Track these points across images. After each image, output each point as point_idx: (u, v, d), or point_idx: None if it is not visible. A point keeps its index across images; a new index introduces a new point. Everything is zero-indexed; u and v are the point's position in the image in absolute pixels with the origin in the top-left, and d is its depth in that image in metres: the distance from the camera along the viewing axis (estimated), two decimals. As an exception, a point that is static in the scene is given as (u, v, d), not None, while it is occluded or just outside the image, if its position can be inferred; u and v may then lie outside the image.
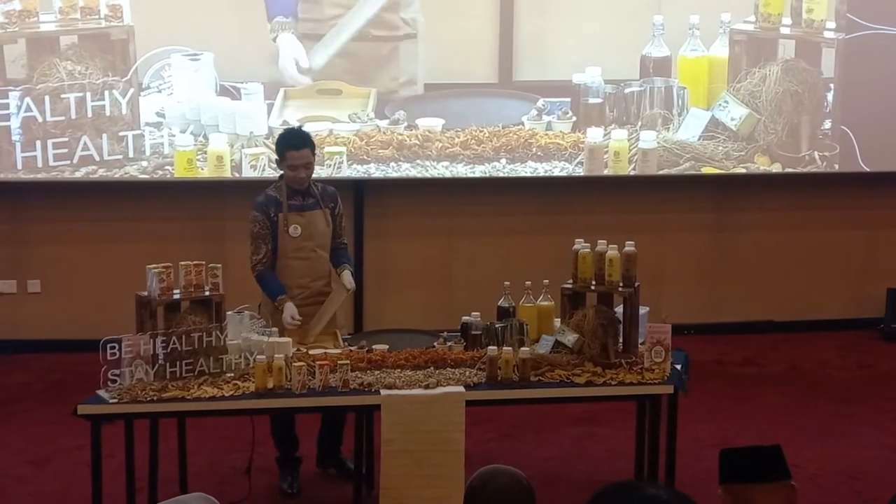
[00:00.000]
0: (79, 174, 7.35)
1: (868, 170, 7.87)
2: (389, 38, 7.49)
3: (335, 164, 7.41)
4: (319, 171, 7.37)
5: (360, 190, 7.56)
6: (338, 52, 7.41)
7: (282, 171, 5.38)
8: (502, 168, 7.59)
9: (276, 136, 5.50)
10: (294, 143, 5.30)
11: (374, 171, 7.49)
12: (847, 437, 6.07)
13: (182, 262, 4.67)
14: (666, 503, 2.32)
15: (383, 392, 4.52)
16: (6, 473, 5.58)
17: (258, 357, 4.53)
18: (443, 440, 4.51)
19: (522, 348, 4.69)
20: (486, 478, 2.97)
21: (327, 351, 4.86)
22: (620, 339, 4.81)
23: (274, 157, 7.34)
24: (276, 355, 4.54)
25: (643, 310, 4.95)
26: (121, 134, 7.34)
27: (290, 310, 5.14)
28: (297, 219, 5.27)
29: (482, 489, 2.94)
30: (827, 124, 7.82)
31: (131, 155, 7.36)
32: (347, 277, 5.32)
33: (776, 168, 7.80)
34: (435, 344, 4.95)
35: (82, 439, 4.77)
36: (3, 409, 6.40)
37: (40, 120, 7.27)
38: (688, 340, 6.70)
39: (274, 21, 7.31)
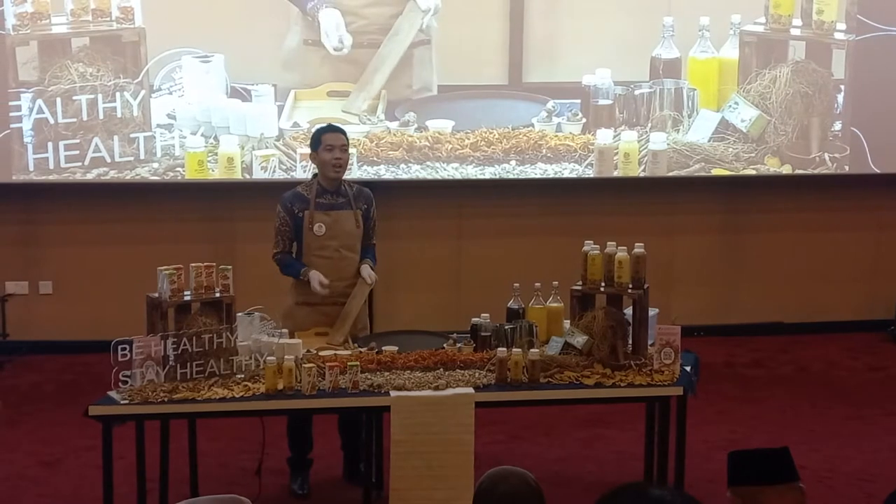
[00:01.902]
0: (90, 176, 7.38)
1: (878, 171, 7.86)
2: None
3: (345, 166, 7.43)
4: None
5: (371, 192, 7.57)
6: (374, 96, 7.46)
7: (315, 172, 5.43)
8: (512, 170, 7.60)
9: (311, 134, 5.55)
10: (330, 128, 5.44)
11: (384, 173, 7.51)
12: (857, 439, 6.06)
13: (193, 264, 4.68)
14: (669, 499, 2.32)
15: (393, 393, 4.53)
16: (18, 474, 5.60)
17: (268, 358, 4.54)
18: (452, 441, 4.51)
19: (532, 350, 4.69)
20: (495, 479, 2.97)
21: (337, 352, 4.87)
22: (630, 341, 4.81)
23: (285, 158, 7.41)
24: (286, 357, 4.55)
25: (652, 311, 4.95)
26: (132, 136, 7.37)
27: (315, 277, 5.21)
28: (322, 217, 5.31)
29: (491, 491, 2.94)
30: (837, 126, 7.82)
31: (142, 156, 7.39)
32: (366, 270, 5.36)
33: (786, 170, 7.80)
34: (444, 345, 4.95)
35: (94, 440, 4.79)
36: (15, 409, 6.43)
37: (52, 122, 7.30)
38: (697, 342, 6.70)
39: (309, 7, 7.31)
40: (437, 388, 4.55)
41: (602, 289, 4.86)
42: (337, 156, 5.31)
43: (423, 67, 7.53)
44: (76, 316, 7.56)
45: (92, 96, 7.29)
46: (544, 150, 7.59)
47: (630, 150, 7.63)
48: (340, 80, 7.48)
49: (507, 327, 4.89)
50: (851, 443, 6.00)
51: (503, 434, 6.02)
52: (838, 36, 7.70)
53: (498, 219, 7.85)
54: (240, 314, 4.79)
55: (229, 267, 4.76)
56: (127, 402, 4.41)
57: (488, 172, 7.60)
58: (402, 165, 7.52)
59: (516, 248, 7.74)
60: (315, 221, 5.30)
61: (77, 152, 7.34)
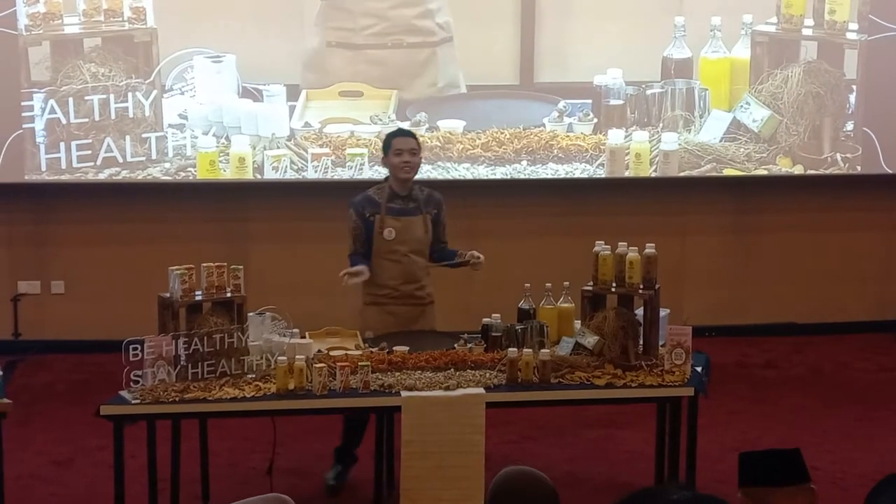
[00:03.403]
0: (102, 176, 7.39)
1: (890, 171, 7.83)
2: (425, 45, 7.49)
3: (356, 166, 7.44)
4: (341, 173, 7.44)
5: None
6: (370, 61, 7.46)
7: (386, 175, 5.46)
8: (523, 170, 7.59)
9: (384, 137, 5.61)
10: (400, 132, 5.52)
11: (396, 173, 7.50)
12: (869, 441, 6.04)
13: (204, 264, 4.69)
14: (689, 501, 2.32)
15: (404, 394, 4.53)
16: (30, 473, 5.62)
17: (279, 358, 4.54)
18: (463, 442, 4.51)
19: (543, 350, 4.69)
20: (510, 480, 2.95)
21: (348, 352, 4.88)
22: (641, 342, 4.81)
23: (296, 159, 7.42)
24: (297, 357, 4.56)
25: (664, 312, 4.95)
26: (144, 136, 7.38)
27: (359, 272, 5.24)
28: (392, 222, 5.35)
29: (507, 494, 2.92)
30: (849, 126, 7.80)
31: (154, 156, 7.40)
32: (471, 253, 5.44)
33: (798, 170, 7.78)
34: (455, 345, 4.96)
35: (105, 440, 4.80)
36: (27, 409, 6.44)
37: (64, 122, 7.31)
38: (708, 343, 6.70)
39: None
40: (447, 389, 4.55)
41: (613, 289, 4.86)
42: (405, 159, 5.35)
43: (448, 64, 7.53)
44: (88, 315, 7.57)
45: (104, 96, 7.30)
46: (555, 151, 7.59)
47: (641, 151, 7.62)
48: (363, 82, 7.47)
49: (517, 327, 4.89)
50: (864, 444, 5.98)
51: (514, 434, 6.01)
52: (850, 36, 7.68)
53: (509, 219, 7.85)
54: (251, 314, 4.80)
55: (240, 267, 4.76)
56: (138, 401, 4.42)
57: (499, 173, 7.59)
58: (414, 165, 7.51)
59: (527, 248, 7.72)
60: (385, 226, 5.34)
61: (89, 152, 7.36)
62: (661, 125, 7.66)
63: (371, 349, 4.96)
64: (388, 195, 5.38)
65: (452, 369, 4.71)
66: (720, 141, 7.71)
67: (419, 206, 5.42)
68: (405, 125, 7.46)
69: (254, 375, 4.62)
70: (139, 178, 7.41)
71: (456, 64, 7.54)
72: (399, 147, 5.36)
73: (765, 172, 7.76)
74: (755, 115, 7.69)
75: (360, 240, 5.39)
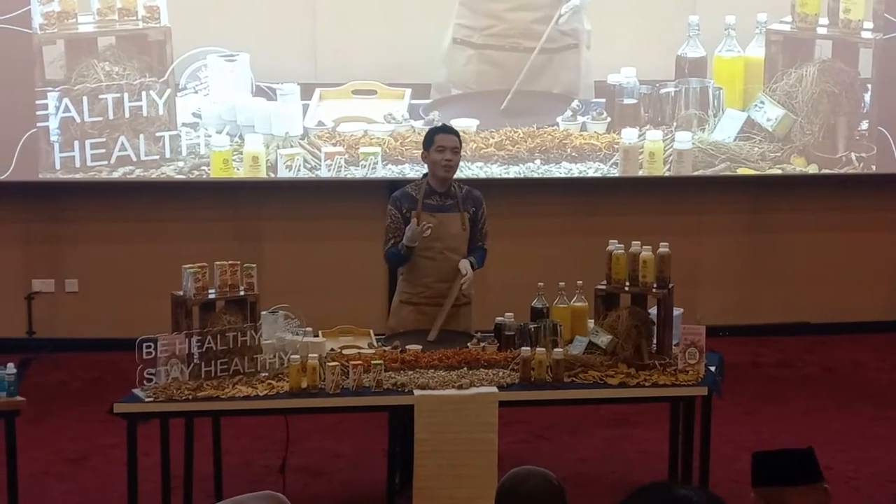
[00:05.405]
0: (116, 174, 7.41)
1: (905, 171, 7.81)
2: (543, 50, 7.48)
3: (370, 165, 7.44)
4: (354, 172, 7.44)
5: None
6: (488, 61, 7.50)
7: (426, 171, 5.41)
8: (536, 169, 7.59)
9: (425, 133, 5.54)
10: (444, 129, 5.44)
11: (409, 172, 7.50)
12: (883, 440, 6.02)
13: (217, 262, 4.69)
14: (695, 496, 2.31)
15: (417, 392, 4.53)
16: (44, 471, 5.63)
17: (292, 357, 4.55)
18: (476, 441, 4.51)
19: (556, 349, 4.68)
20: (517, 479, 2.97)
21: (361, 351, 4.88)
22: (654, 341, 4.80)
23: (310, 157, 7.43)
24: (309, 355, 4.56)
25: (677, 311, 4.94)
26: (158, 134, 7.39)
27: (412, 229, 5.17)
28: (428, 218, 5.27)
29: (514, 490, 2.94)
30: (864, 125, 7.77)
31: (168, 155, 7.41)
32: (462, 262, 5.27)
33: (812, 169, 7.76)
34: (468, 344, 4.95)
35: (118, 437, 4.81)
36: (41, 407, 6.45)
37: (78, 120, 7.33)
38: (722, 342, 6.68)
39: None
40: (460, 387, 4.55)
41: (626, 288, 4.85)
42: (448, 157, 5.27)
43: (564, 71, 7.51)
44: (101, 314, 7.59)
45: (118, 95, 7.32)
46: (569, 150, 7.58)
47: (655, 150, 7.61)
48: (480, 81, 7.51)
49: (531, 326, 4.89)
50: (877, 444, 5.97)
51: (527, 433, 6.01)
52: (865, 35, 7.65)
53: (522, 218, 7.83)
54: (264, 312, 4.81)
55: (253, 265, 4.77)
56: (151, 399, 4.43)
57: (513, 171, 7.59)
58: (427, 164, 7.50)
59: (540, 247, 7.72)
60: (421, 222, 5.27)
61: (103, 151, 7.37)
62: (674, 124, 7.64)
63: (384, 348, 4.95)
64: (426, 191, 5.32)
65: (465, 368, 4.70)
66: (734, 140, 7.69)
67: (457, 203, 5.34)
68: (419, 124, 7.47)
69: (267, 374, 4.62)
70: (153, 176, 7.43)
71: (576, 71, 7.53)
72: (442, 144, 5.27)
73: (779, 172, 7.74)
74: (769, 114, 7.67)
75: (395, 234, 5.29)
